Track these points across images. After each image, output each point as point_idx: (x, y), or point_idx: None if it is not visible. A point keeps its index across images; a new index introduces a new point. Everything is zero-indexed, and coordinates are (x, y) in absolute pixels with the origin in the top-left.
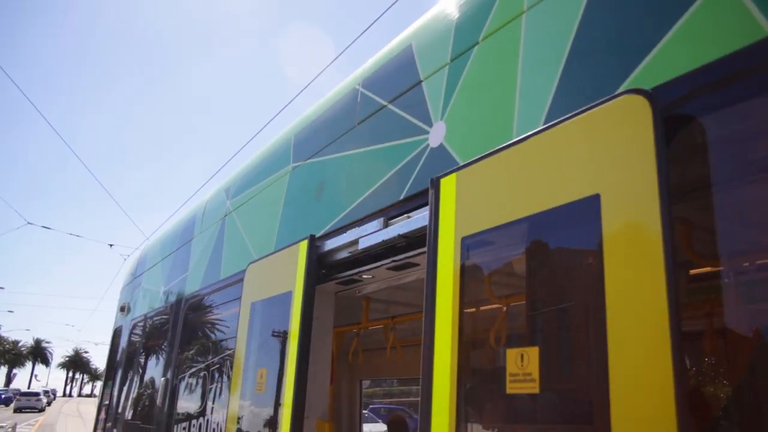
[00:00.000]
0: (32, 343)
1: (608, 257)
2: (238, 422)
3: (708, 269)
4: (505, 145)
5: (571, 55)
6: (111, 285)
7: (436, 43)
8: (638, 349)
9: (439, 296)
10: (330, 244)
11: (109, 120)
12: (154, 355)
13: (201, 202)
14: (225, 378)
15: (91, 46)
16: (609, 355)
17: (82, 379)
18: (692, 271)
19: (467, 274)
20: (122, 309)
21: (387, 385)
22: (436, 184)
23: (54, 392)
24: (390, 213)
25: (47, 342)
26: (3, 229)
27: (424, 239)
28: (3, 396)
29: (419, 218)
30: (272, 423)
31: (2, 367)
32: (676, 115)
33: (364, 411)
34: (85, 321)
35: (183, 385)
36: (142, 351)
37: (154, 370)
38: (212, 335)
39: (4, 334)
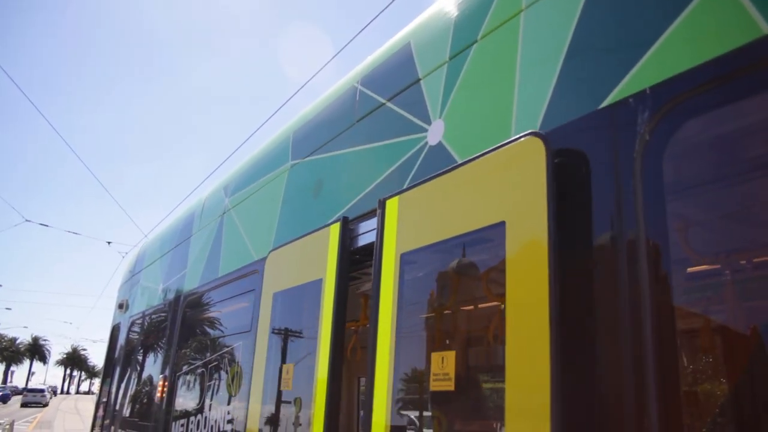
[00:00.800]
0: (30, 340)
1: (510, 274)
2: (261, 420)
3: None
4: (436, 174)
5: (570, 53)
6: (109, 282)
7: (435, 41)
8: (525, 344)
9: (381, 305)
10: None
11: (108, 118)
12: (153, 352)
13: (199, 199)
14: (224, 375)
15: (91, 45)
16: (506, 351)
17: (80, 376)
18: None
19: (405, 286)
20: (120, 306)
21: None
22: (382, 205)
23: (55, 389)
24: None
25: (45, 339)
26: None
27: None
28: (0, 393)
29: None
30: (303, 421)
31: (0, 364)
32: (565, 154)
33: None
34: (83, 318)
35: (181, 382)
36: (140, 348)
37: (153, 367)
38: (211, 332)
39: (2, 332)
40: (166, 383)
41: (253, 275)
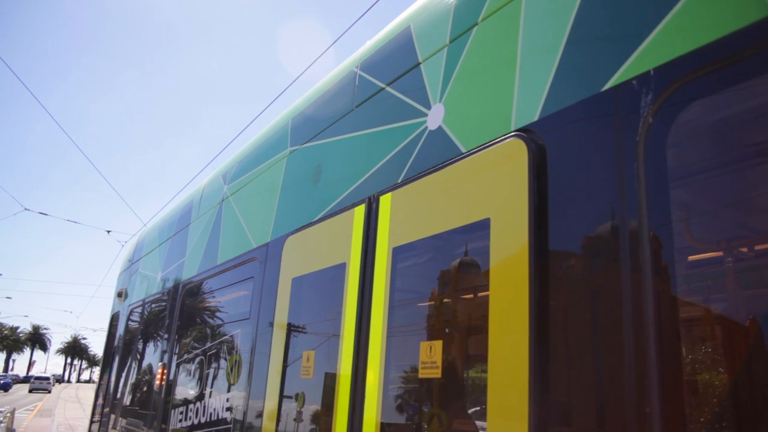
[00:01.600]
0: (30, 329)
1: (493, 268)
2: (279, 407)
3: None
4: (425, 172)
5: (572, 36)
6: (109, 271)
7: (435, 24)
8: (507, 333)
9: (374, 296)
10: None
11: (108, 108)
12: (152, 340)
13: (198, 187)
14: (223, 362)
15: (91, 35)
16: (490, 339)
17: (81, 365)
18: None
19: (396, 279)
20: (119, 294)
21: None
22: (376, 200)
23: (60, 378)
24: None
25: (45, 328)
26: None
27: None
28: (2, 381)
29: None
30: (326, 410)
31: (1, 353)
32: (546, 154)
33: None
34: (83, 307)
35: (180, 369)
36: (139, 336)
37: (152, 355)
38: (210, 320)
39: (2, 321)
40: (165, 371)
41: (253, 262)
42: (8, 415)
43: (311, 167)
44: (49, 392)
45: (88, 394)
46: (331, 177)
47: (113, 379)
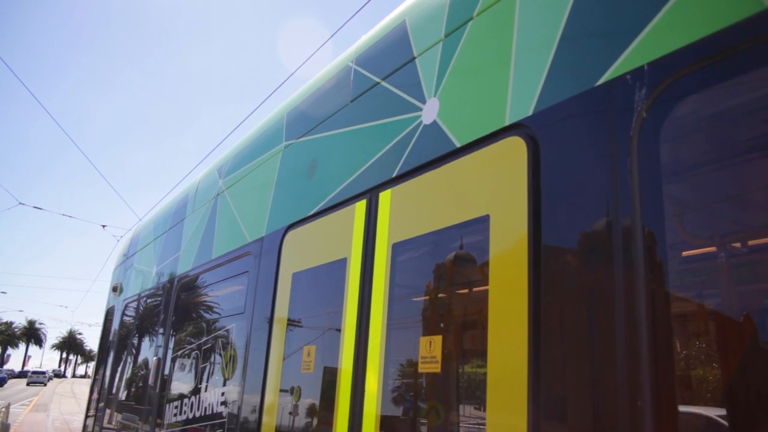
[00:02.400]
0: (25, 324)
1: (493, 264)
2: (278, 401)
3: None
4: (425, 169)
5: (566, 30)
6: (104, 266)
7: (430, 18)
8: (506, 328)
9: (374, 292)
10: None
11: (106, 104)
12: (147, 335)
13: (194, 181)
14: (218, 357)
15: (90, 33)
16: (489, 335)
17: (76, 360)
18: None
19: (396, 275)
20: (114, 289)
21: None
22: (375, 197)
23: (59, 372)
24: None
25: (41, 323)
26: None
27: None
28: None
29: None
30: (327, 403)
31: None
32: (544, 151)
33: None
34: (78, 302)
35: (175, 364)
36: (134, 331)
37: (147, 349)
38: (205, 314)
39: None
40: (160, 365)
41: (247, 257)
42: (3, 410)
43: (306, 162)
44: (45, 384)
45: (83, 389)
46: (326, 171)
47: (108, 373)
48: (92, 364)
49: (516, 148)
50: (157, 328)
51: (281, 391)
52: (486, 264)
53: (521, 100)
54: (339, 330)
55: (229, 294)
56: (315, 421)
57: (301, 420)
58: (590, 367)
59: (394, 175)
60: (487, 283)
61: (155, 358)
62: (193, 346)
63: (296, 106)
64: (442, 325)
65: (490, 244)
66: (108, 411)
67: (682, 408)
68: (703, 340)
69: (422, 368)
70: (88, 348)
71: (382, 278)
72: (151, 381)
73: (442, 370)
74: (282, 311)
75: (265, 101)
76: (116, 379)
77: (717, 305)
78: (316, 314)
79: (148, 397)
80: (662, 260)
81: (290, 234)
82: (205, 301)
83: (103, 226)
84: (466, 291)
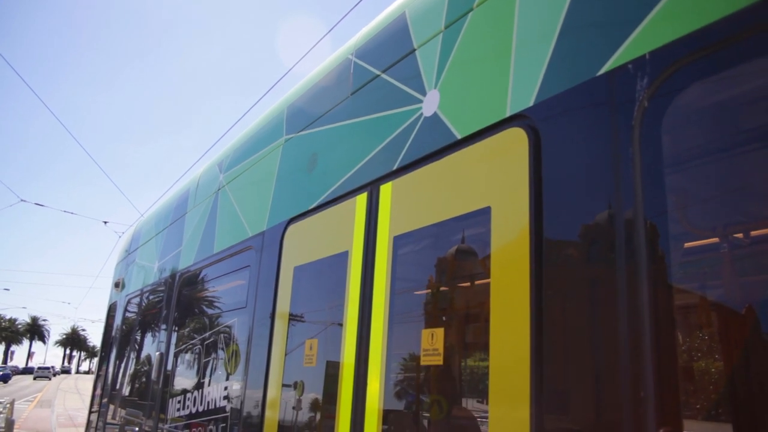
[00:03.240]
0: (29, 320)
1: (494, 256)
2: (281, 395)
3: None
4: (426, 160)
5: (567, 20)
6: (106, 262)
7: (430, 10)
8: (508, 320)
9: (375, 284)
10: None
11: (107, 101)
12: (149, 330)
13: (195, 176)
14: (220, 351)
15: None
16: (491, 326)
17: (80, 356)
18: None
19: (397, 267)
20: (117, 285)
21: None
22: (377, 189)
23: (68, 369)
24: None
25: (44, 319)
26: None
27: None
28: (1, 373)
29: None
30: (330, 397)
31: (0, 344)
32: (545, 142)
33: None
34: (81, 298)
35: (178, 359)
36: (136, 326)
37: (149, 344)
38: (207, 309)
39: (0, 312)
40: (163, 361)
41: (249, 251)
42: (8, 405)
43: (307, 155)
44: (50, 379)
45: (87, 384)
46: (326, 165)
47: (111, 369)
48: (96, 360)
49: (517, 139)
50: (159, 324)
51: (284, 385)
52: (487, 256)
53: (522, 91)
54: (341, 323)
55: (230, 288)
56: (318, 415)
57: (304, 414)
58: (593, 358)
59: (394, 167)
60: (488, 275)
61: (158, 353)
62: (195, 341)
63: (296, 99)
64: (443, 317)
65: (492, 236)
66: (112, 406)
67: (684, 399)
68: (706, 332)
69: (424, 361)
70: (91, 344)
71: (384, 271)
72: (153, 376)
73: (444, 363)
74: (284, 305)
75: (264, 96)
76: (119, 375)
77: (720, 297)
78: (317, 308)
79: (151, 392)
80: (665, 251)
81: (291, 228)
82: (207, 296)
83: (105, 222)
84: (468, 283)
